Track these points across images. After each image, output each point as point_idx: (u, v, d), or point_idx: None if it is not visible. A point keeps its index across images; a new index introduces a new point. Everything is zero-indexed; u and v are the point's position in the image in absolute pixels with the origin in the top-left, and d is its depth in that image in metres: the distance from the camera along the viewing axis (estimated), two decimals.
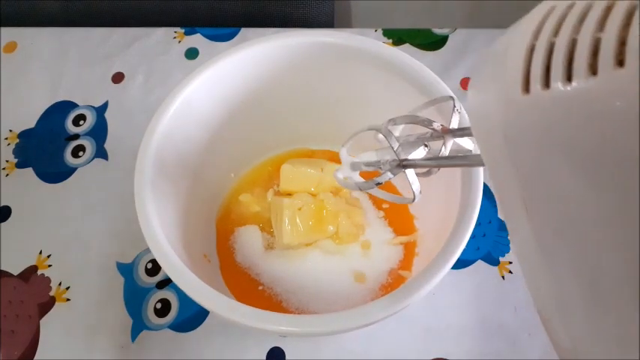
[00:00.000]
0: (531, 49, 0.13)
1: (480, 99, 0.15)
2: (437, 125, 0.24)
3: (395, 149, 0.24)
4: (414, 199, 0.24)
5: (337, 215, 0.38)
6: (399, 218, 0.39)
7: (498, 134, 0.13)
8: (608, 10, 0.11)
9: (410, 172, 0.24)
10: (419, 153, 0.24)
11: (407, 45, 0.51)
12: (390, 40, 0.52)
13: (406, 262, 0.38)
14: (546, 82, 0.12)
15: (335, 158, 0.41)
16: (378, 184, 0.25)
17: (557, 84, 0.11)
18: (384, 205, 0.40)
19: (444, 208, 0.32)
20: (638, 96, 0.10)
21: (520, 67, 0.12)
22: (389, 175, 0.24)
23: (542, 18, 0.13)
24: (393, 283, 0.37)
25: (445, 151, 0.23)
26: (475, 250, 0.40)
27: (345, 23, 0.67)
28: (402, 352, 0.36)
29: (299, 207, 0.37)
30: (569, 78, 0.11)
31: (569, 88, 0.11)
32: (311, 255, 0.37)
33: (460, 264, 0.39)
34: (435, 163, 0.23)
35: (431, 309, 0.37)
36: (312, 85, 0.38)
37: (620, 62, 0.10)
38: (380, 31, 0.53)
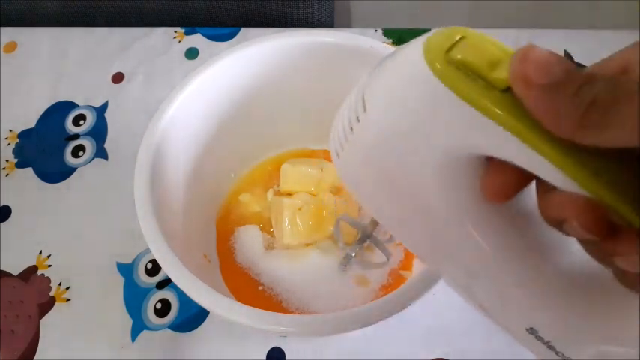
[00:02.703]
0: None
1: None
2: None
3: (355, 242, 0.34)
4: (387, 260, 0.34)
5: (337, 215, 0.38)
6: None
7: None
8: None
9: (373, 243, 0.34)
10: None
11: None
12: (390, 40, 0.52)
13: (406, 262, 0.38)
14: (337, 155, 0.22)
15: None
16: (351, 257, 0.35)
17: (337, 156, 0.22)
18: None
19: None
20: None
21: (333, 147, 0.22)
22: (352, 252, 0.34)
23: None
24: (393, 283, 0.37)
25: None
26: None
27: (345, 23, 0.67)
28: (402, 352, 0.36)
29: (299, 207, 0.37)
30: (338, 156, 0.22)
31: (339, 158, 0.21)
32: (311, 255, 0.37)
33: None
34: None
35: (431, 309, 0.37)
36: (312, 85, 0.38)
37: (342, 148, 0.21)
38: (380, 31, 0.53)
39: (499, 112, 0.15)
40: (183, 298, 0.39)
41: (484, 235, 0.19)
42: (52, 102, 0.50)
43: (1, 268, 0.41)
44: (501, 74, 0.15)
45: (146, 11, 0.58)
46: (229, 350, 0.37)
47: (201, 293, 0.27)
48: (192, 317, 0.38)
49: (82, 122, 0.49)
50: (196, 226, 0.37)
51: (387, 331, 0.37)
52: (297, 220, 0.37)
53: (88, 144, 0.47)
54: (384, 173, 0.20)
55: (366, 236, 0.33)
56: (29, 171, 0.46)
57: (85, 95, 0.50)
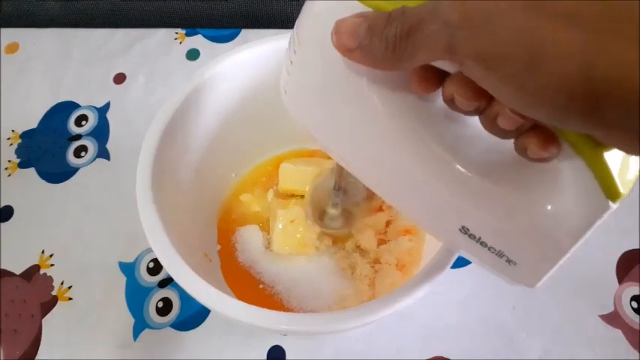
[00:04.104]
0: None
1: None
2: None
3: None
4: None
5: None
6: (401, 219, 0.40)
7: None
8: None
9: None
10: None
11: None
12: None
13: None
14: (285, 91, 0.25)
15: None
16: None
17: (285, 92, 0.25)
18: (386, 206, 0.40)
19: None
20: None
21: (282, 87, 0.25)
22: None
23: None
24: (395, 282, 0.37)
25: None
26: None
27: None
28: (402, 351, 0.36)
29: (292, 219, 0.37)
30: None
31: (286, 94, 0.25)
32: (311, 254, 0.38)
33: (460, 263, 0.39)
34: None
35: (431, 308, 0.38)
36: None
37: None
38: None
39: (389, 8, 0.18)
40: (185, 297, 0.39)
41: (415, 135, 0.22)
42: (54, 102, 0.50)
43: (4, 268, 0.41)
44: None
45: (147, 12, 0.59)
46: (230, 348, 0.37)
47: (202, 292, 0.27)
48: (194, 316, 0.38)
49: (84, 122, 0.49)
50: (198, 226, 0.38)
51: (387, 330, 0.37)
52: (289, 230, 0.37)
53: (90, 144, 0.48)
54: (325, 95, 0.23)
55: (337, 187, 0.35)
56: (31, 171, 0.46)
57: (86, 96, 0.51)
